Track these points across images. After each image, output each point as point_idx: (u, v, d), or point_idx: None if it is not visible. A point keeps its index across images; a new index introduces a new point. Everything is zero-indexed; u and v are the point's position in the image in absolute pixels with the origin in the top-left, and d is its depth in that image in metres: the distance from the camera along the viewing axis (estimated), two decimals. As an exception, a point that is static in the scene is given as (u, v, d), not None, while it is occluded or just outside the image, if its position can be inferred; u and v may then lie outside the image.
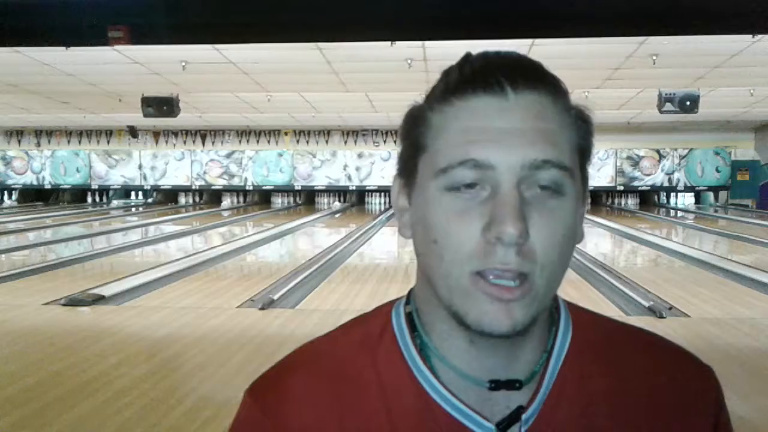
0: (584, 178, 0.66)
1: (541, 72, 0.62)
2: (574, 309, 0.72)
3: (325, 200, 19.05)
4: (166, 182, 19.13)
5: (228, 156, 18.83)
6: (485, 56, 0.63)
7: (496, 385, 0.64)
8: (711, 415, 0.68)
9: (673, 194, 18.50)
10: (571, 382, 0.66)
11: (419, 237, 0.64)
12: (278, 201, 19.24)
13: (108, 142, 18.84)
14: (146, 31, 4.69)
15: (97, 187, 19.44)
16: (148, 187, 19.38)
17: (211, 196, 19.61)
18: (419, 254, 0.65)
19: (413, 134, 0.65)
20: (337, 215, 16.19)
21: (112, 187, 19.54)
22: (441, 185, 0.60)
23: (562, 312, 0.70)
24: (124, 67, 8.57)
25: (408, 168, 0.66)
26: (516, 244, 0.57)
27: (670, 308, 5.20)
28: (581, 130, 0.64)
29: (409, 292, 0.72)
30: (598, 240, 11.24)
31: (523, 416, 0.64)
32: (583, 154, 0.65)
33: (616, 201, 18.73)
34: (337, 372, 0.68)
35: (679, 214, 16.39)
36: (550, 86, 0.62)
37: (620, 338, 0.71)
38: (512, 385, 0.64)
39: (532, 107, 0.60)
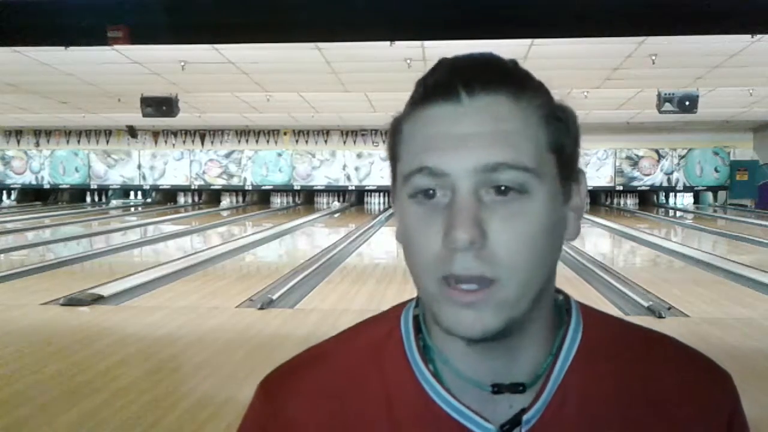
0: (567, 175, 0.64)
1: (501, 73, 0.62)
2: (587, 310, 0.71)
3: (325, 200, 19.05)
4: (165, 182, 19.13)
5: (227, 156, 18.83)
6: (452, 62, 0.63)
7: (498, 388, 0.64)
8: (723, 423, 0.67)
9: (672, 194, 18.51)
10: (578, 383, 0.65)
11: (403, 243, 0.66)
12: (277, 201, 19.24)
13: (107, 142, 18.84)
14: (146, 31, 4.69)
15: (96, 186, 19.44)
16: (147, 187, 19.38)
17: (210, 196, 19.60)
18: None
19: (391, 143, 0.67)
20: (336, 215, 16.19)
21: (111, 186, 19.54)
22: (407, 193, 0.62)
23: (574, 313, 0.69)
24: (124, 67, 8.57)
25: (392, 176, 0.68)
26: (471, 249, 0.57)
27: (670, 308, 5.20)
28: (552, 126, 0.62)
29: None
30: (597, 240, 11.24)
31: (524, 417, 0.64)
32: (560, 151, 0.63)
33: (615, 201, 18.73)
34: (345, 373, 0.69)
35: (678, 214, 16.39)
36: (511, 86, 0.61)
37: (634, 341, 0.70)
38: (515, 388, 0.64)
39: (488, 110, 0.59)
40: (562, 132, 0.63)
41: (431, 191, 0.60)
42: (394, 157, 0.66)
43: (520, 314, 0.61)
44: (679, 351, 0.71)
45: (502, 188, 0.59)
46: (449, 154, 0.59)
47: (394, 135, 0.66)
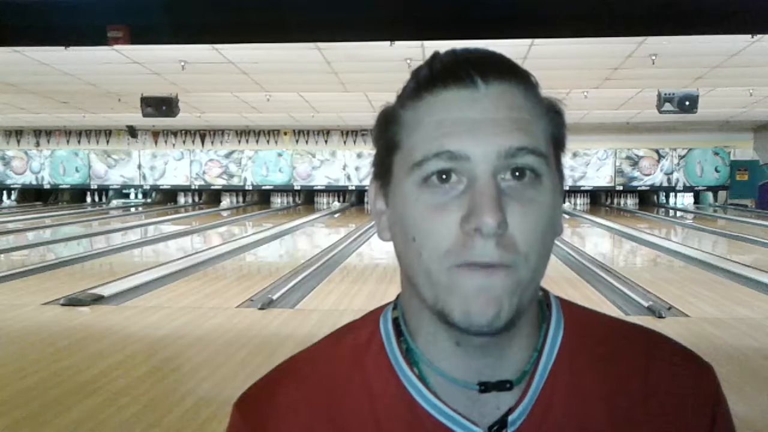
0: (560, 169, 0.65)
1: (509, 64, 0.63)
2: (567, 305, 0.70)
3: (325, 200, 19.05)
4: (166, 182, 19.12)
5: (227, 156, 18.82)
6: (453, 53, 0.63)
7: (485, 387, 0.63)
8: (707, 414, 0.67)
9: (672, 194, 18.50)
10: (563, 380, 0.65)
11: (398, 237, 0.64)
12: (277, 201, 19.24)
13: (107, 142, 18.84)
14: (146, 31, 4.69)
15: (96, 186, 19.44)
16: (148, 187, 19.38)
17: (210, 196, 19.60)
18: (399, 255, 0.65)
19: (386, 134, 0.65)
20: (336, 215, 16.19)
21: (111, 187, 19.55)
22: (417, 179, 0.60)
23: (554, 309, 0.69)
24: (124, 67, 8.57)
25: (383, 169, 0.66)
26: (495, 235, 0.56)
27: (669, 308, 5.20)
28: (554, 120, 0.64)
29: (397, 297, 0.71)
30: (598, 240, 11.24)
31: (510, 418, 0.63)
32: (558, 144, 0.64)
33: (615, 201, 18.73)
34: (326, 382, 0.68)
35: (678, 214, 16.39)
36: (520, 78, 0.62)
37: (615, 334, 0.70)
38: (502, 386, 0.63)
39: (503, 97, 0.60)
40: (560, 125, 0.65)
41: (445, 175, 0.59)
42: (391, 148, 0.64)
43: (527, 301, 0.61)
44: (660, 343, 0.71)
45: (518, 174, 0.59)
46: (469, 139, 0.59)
47: (391, 125, 0.64)
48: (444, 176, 0.59)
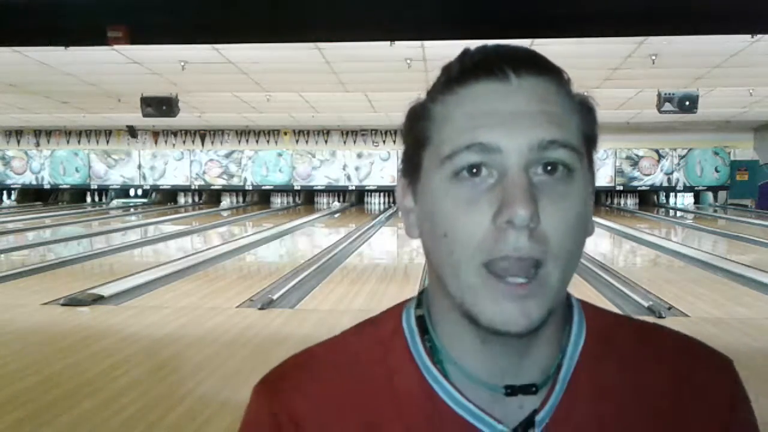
0: (591, 166, 0.64)
1: (541, 59, 0.62)
2: (587, 307, 0.70)
3: (325, 200, 19.05)
4: (166, 182, 19.13)
5: (227, 156, 18.83)
6: (484, 48, 0.62)
7: (512, 390, 0.63)
8: (724, 409, 0.67)
9: (672, 194, 18.51)
10: (585, 381, 0.65)
11: (427, 233, 0.63)
12: (277, 201, 19.24)
13: (107, 142, 18.85)
14: (146, 31, 4.69)
15: (96, 186, 19.44)
16: (148, 187, 19.38)
17: (210, 196, 19.60)
18: (428, 252, 0.64)
19: (416, 129, 0.64)
20: (336, 215, 16.19)
21: (111, 187, 19.55)
22: (447, 173, 0.59)
23: (575, 310, 0.69)
24: (124, 67, 8.57)
25: (412, 164, 0.65)
26: (527, 228, 0.55)
27: (670, 308, 5.20)
28: (586, 117, 0.63)
29: (420, 294, 0.70)
30: (598, 240, 11.23)
31: (537, 419, 0.63)
32: (590, 142, 0.64)
33: (615, 201, 18.74)
34: (349, 373, 0.67)
35: (679, 214, 16.39)
36: (552, 73, 0.62)
37: (635, 335, 0.70)
38: (528, 389, 0.63)
39: (536, 91, 0.59)
40: (592, 122, 0.64)
41: (475, 169, 0.58)
42: (420, 143, 0.63)
43: (558, 304, 0.61)
44: (678, 340, 0.71)
45: (550, 168, 0.58)
46: (501, 131, 0.58)
47: (421, 120, 0.63)
48: (474, 170, 0.58)
